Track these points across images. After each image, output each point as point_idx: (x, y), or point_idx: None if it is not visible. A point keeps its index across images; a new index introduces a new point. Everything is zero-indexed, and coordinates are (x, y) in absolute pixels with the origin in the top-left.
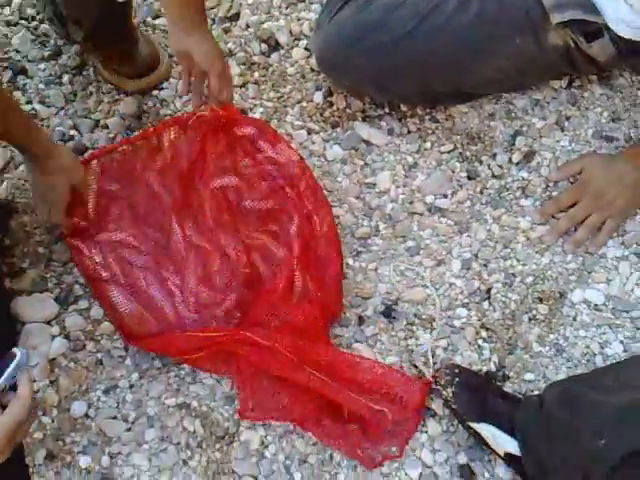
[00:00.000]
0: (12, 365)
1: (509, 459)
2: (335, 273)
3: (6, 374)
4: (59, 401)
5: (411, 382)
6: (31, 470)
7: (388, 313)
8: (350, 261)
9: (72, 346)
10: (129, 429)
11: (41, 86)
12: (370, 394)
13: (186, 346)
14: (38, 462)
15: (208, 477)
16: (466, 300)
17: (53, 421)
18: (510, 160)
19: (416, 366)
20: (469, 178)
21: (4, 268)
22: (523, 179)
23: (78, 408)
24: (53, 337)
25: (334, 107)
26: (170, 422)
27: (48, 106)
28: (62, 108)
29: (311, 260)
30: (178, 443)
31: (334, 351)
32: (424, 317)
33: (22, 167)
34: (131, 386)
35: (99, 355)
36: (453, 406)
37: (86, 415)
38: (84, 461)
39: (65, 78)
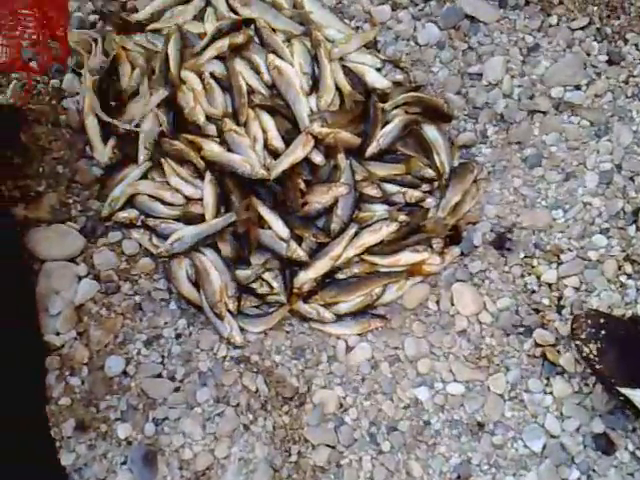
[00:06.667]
0: None
1: None
2: None
3: None
4: (90, 357)
5: None
6: (58, 444)
7: (500, 243)
8: None
9: (103, 288)
10: (177, 389)
11: None
12: None
13: None
14: (66, 434)
15: (275, 445)
16: (605, 225)
17: (83, 383)
18: None
19: (538, 311)
20: (610, 63)
21: (16, 193)
22: None
23: (114, 365)
24: (79, 278)
25: None
26: (227, 380)
27: None
28: None
29: None
30: (237, 405)
31: None
32: (548, 248)
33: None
34: (178, 336)
35: (137, 298)
36: (597, 366)
37: (124, 373)
38: (123, 430)
39: None
